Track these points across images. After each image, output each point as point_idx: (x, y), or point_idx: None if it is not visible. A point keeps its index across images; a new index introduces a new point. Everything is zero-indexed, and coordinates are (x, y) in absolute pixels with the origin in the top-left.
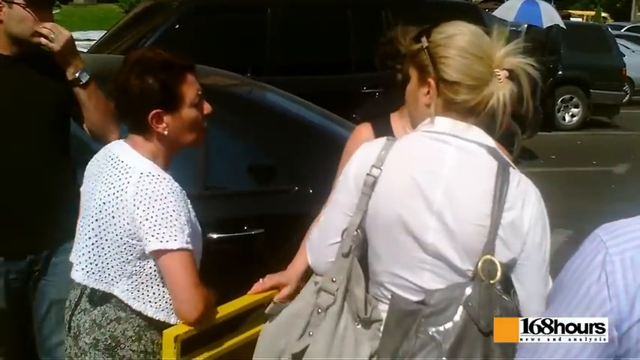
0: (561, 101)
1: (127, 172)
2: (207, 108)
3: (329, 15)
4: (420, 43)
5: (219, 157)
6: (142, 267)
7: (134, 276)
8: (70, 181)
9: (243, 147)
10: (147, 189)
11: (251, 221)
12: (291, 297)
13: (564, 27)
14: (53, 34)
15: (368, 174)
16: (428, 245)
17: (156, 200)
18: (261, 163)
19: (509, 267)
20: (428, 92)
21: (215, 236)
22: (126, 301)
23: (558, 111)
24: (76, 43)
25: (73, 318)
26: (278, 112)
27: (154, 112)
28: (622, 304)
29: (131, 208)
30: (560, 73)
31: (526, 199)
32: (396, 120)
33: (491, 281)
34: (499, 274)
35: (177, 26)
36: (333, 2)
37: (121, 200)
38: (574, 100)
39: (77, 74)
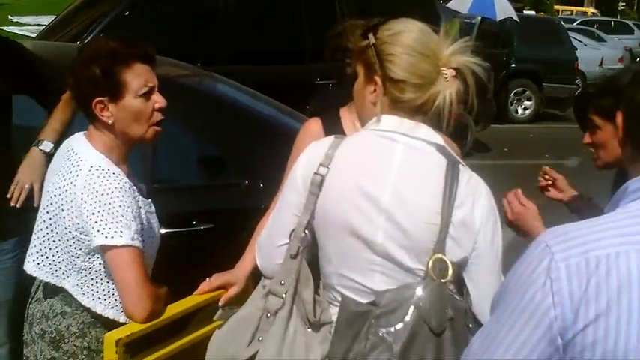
0: (514, 94)
1: (77, 165)
2: (160, 101)
3: (282, 4)
4: (367, 40)
5: (167, 150)
6: (91, 262)
7: (84, 271)
8: (7, 179)
9: (192, 140)
10: (95, 183)
11: (200, 216)
12: (239, 297)
13: (517, 20)
14: (24, 188)
15: (315, 173)
16: (377, 246)
17: (102, 195)
18: (210, 156)
19: (460, 266)
20: (374, 90)
21: (163, 231)
22: (75, 296)
23: (511, 104)
24: (27, 27)
25: (30, 306)
26: (228, 104)
27: (97, 99)
28: (566, 311)
29: (79, 201)
30: (512, 65)
31: (476, 196)
32: (346, 115)
33: (443, 280)
34: (450, 272)
35: (127, 13)
36: None
37: (70, 193)
38: (527, 92)
39: (43, 152)
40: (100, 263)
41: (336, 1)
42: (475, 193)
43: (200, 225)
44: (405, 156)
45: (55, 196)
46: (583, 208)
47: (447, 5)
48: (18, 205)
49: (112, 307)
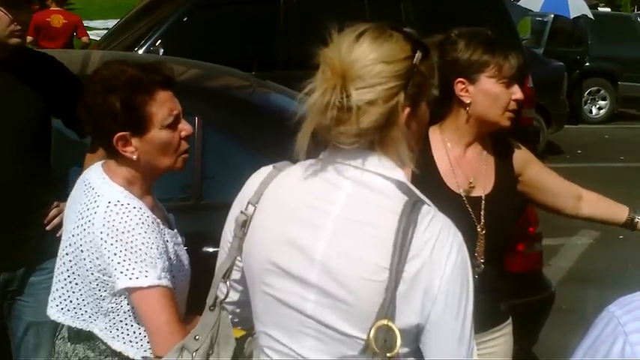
0: (588, 93)
1: (95, 201)
2: (186, 129)
3: (345, 5)
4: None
5: (217, 164)
6: (118, 304)
7: (111, 314)
8: (48, 197)
9: (243, 153)
10: (114, 220)
11: None
12: None
13: (592, 17)
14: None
15: (242, 211)
16: (308, 305)
17: (123, 232)
18: None
19: (416, 335)
20: None
21: (212, 250)
22: (105, 341)
23: (585, 103)
24: (95, 32)
25: (56, 342)
26: (282, 115)
27: (118, 135)
28: None
29: (98, 241)
30: (587, 64)
31: (439, 244)
32: (437, 133)
33: (389, 354)
34: (399, 344)
35: (185, 18)
36: None
37: (89, 233)
38: (601, 92)
39: None
40: (127, 304)
41: (401, 3)
42: (438, 240)
43: None
44: (352, 195)
45: (72, 236)
46: None
47: (519, 3)
48: (48, 228)
49: (145, 351)
